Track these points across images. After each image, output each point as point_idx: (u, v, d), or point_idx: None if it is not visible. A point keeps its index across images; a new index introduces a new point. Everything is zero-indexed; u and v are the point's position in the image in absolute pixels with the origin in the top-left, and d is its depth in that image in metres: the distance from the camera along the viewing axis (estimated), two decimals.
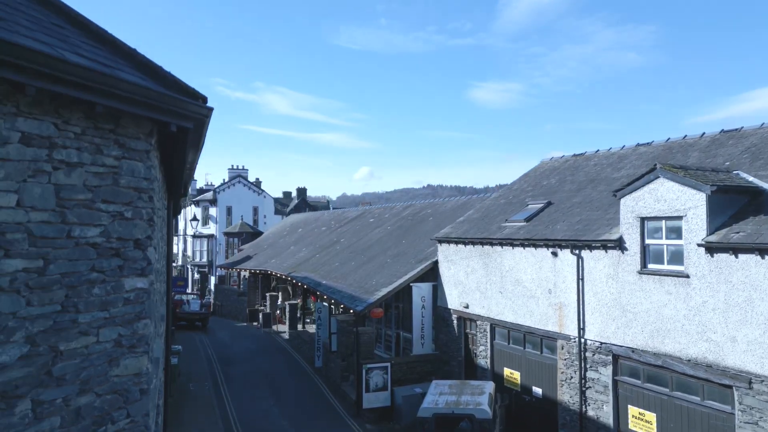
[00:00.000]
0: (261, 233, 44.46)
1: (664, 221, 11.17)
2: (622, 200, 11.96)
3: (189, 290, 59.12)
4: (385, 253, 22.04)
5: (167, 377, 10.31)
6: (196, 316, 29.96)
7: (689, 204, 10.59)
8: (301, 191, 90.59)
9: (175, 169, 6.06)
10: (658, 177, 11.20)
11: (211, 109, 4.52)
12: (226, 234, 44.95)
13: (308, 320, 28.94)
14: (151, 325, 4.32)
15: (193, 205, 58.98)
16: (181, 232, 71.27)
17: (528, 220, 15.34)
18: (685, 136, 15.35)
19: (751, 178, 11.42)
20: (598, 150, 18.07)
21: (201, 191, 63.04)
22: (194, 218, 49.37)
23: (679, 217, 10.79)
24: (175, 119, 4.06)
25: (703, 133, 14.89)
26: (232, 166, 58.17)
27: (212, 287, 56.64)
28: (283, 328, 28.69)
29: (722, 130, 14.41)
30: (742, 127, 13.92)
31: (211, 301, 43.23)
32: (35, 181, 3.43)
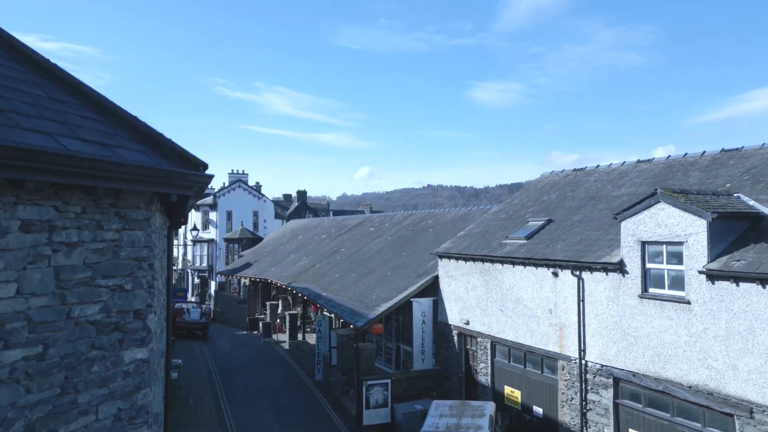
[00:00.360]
0: (261, 239, 44.46)
1: (664, 246, 11.16)
2: (623, 223, 11.94)
3: (189, 296, 59.14)
4: (386, 265, 22.03)
5: (167, 392, 10.31)
6: (196, 326, 29.96)
7: (690, 230, 10.57)
8: (302, 194, 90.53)
9: (174, 214, 6.04)
10: (659, 201, 11.18)
11: (211, 177, 4.50)
12: (227, 240, 44.96)
13: (308, 329, 28.92)
14: (150, 393, 4.30)
15: (192, 210, 58.94)
16: (180, 236, 71.30)
17: (528, 237, 15.32)
18: (686, 154, 15.34)
19: (751, 202, 11.41)
20: (598, 165, 18.06)
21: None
22: (194, 228, 49.36)
23: (680, 243, 10.77)
24: (177, 190, 4.05)
25: (704, 152, 14.87)
26: (232, 170, 58.17)
27: (212, 292, 56.67)
28: (284, 338, 28.68)
29: (723, 149, 14.40)
30: (743, 147, 13.90)
31: (212, 307, 43.20)
32: (35, 267, 3.42)
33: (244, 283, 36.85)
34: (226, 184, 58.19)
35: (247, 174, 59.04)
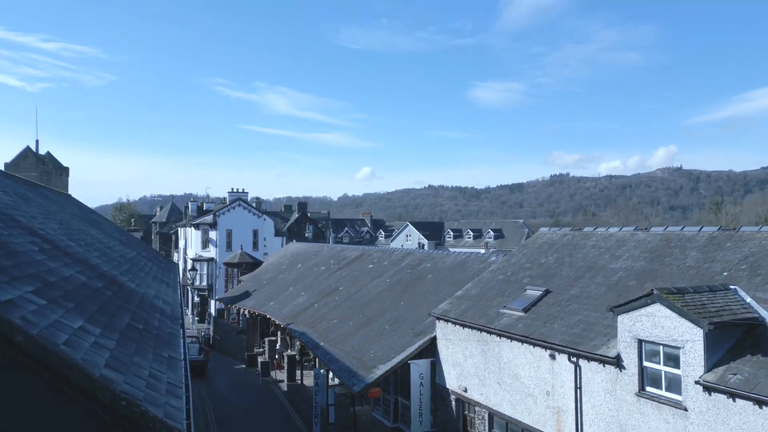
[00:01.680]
0: (260, 263, 44.44)
1: (662, 347, 11.12)
2: (620, 317, 11.90)
3: (189, 314, 59.14)
4: (383, 315, 22.00)
5: None
6: (195, 364, 29.87)
7: (687, 336, 10.54)
8: (302, 205, 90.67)
9: None
10: (656, 302, 11.14)
11: None
12: (226, 264, 44.97)
13: (306, 363, 28.91)
14: None
15: (193, 228, 58.99)
16: (181, 251, 71.28)
17: (526, 310, 15.28)
18: (683, 227, 15.32)
19: (748, 299, 11.37)
20: (596, 228, 18.04)
21: (201, 212, 63.00)
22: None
23: (677, 347, 10.74)
24: None
25: (701, 228, 14.85)
26: (232, 189, 58.24)
27: (212, 311, 56.65)
28: (282, 376, 28.68)
29: (720, 227, 14.42)
30: (741, 229, 13.89)
31: (211, 333, 43.22)
32: None
33: (244, 312, 36.85)
34: (227, 201, 58.24)
35: (247, 192, 59.11)
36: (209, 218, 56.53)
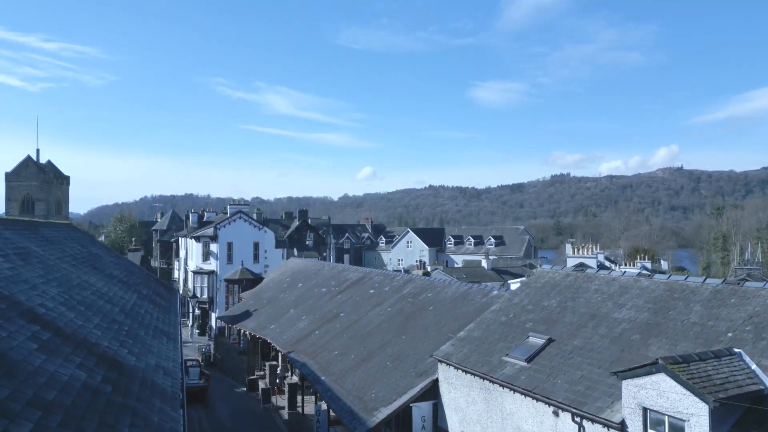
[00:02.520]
0: (261, 279, 44.37)
1: (667, 417, 11.03)
2: (624, 383, 11.80)
3: (189, 324, 59.11)
4: (384, 350, 21.92)
5: None
6: (196, 389, 29.76)
7: (692, 410, 10.44)
8: (302, 213, 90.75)
9: None
10: (661, 372, 11.04)
11: None
12: (227, 281, 44.88)
13: (308, 388, 28.84)
14: None
15: (193, 241, 58.96)
16: (181, 260, 71.21)
17: (529, 360, 15.19)
18: (687, 277, 15.23)
19: (753, 366, 11.27)
20: (599, 270, 17.93)
21: (202, 223, 62.97)
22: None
23: (682, 420, 10.65)
24: None
25: (705, 278, 14.75)
26: (233, 201, 58.27)
27: (213, 323, 56.63)
28: (283, 402, 28.64)
29: (724, 280, 14.30)
30: (746, 284, 13.78)
31: (212, 351, 43.17)
32: None
33: (245, 332, 36.79)
34: (227, 212, 58.18)
35: (248, 205, 59.08)
36: (210, 231, 56.51)
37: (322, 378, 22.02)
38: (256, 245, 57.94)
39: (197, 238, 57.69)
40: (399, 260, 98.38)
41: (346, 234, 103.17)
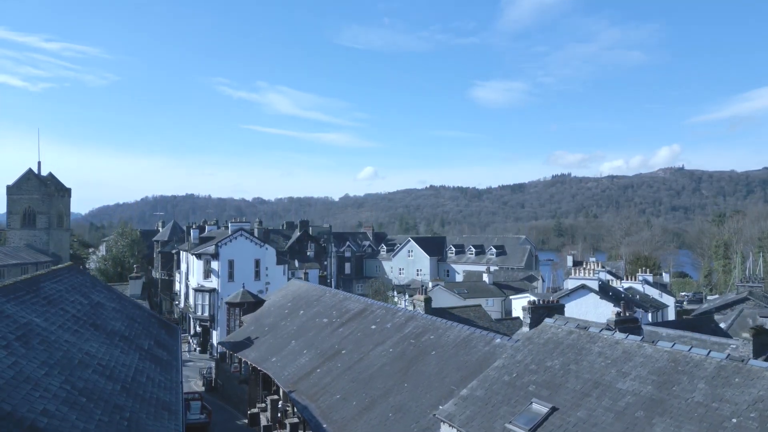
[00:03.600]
0: (262, 301, 44.31)
1: None
2: None
3: (190, 339, 59.08)
4: (387, 399, 21.89)
5: None
6: (197, 425, 29.69)
7: None
8: (303, 224, 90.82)
9: None
10: None
11: None
12: (228, 304, 44.84)
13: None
14: None
15: (195, 258, 58.95)
16: (183, 275, 71.18)
17: (532, 430, 15.14)
18: (690, 348, 15.17)
19: None
20: (602, 330, 17.88)
21: (203, 238, 62.98)
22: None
23: None
24: None
25: (709, 352, 14.69)
26: (234, 219, 58.32)
27: (214, 341, 56.62)
28: None
29: (728, 355, 14.24)
30: (750, 362, 13.72)
31: (213, 375, 43.17)
32: None
33: (245, 360, 36.76)
34: (229, 233, 58.14)
35: (249, 222, 59.17)
36: (211, 248, 56.53)
37: (324, 426, 22.00)
38: (257, 262, 57.97)
39: (198, 256, 57.71)
40: (400, 269, 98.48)
41: (347, 242, 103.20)
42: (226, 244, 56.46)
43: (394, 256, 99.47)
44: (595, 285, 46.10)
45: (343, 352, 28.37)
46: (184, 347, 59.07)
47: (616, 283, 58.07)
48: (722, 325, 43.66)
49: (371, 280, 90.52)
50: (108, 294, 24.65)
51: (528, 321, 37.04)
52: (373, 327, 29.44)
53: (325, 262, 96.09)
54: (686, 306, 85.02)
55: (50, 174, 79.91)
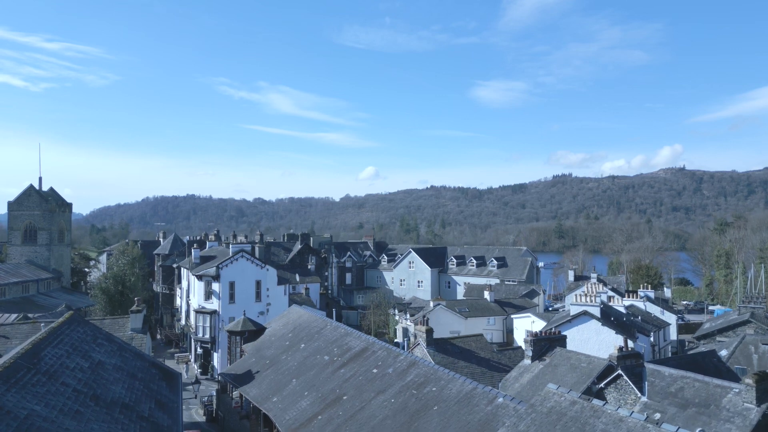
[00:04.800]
0: (263, 329, 44.23)
1: None
2: None
3: (192, 359, 58.96)
4: None
5: None
6: None
7: None
8: (305, 237, 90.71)
9: None
10: None
11: None
12: (229, 332, 44.77)
13: None
14: None
15: (196, 279, 58.88)
16: (183, 290, 71.12)
17: None
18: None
19: None
20: (605, 404, 17.76)
21: (204, 258, 62.92)
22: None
23: None
24: None
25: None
26: (235, 239, 58.20)
27: (215, 364, 56.57)
28: None
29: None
30: None
31: (214, 407, 43.12)
32: None
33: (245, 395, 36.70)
34: (230, 254, 58.03)
35: (250, 245, 59.03)
36: (212, 270, 56.45)
37: None
38: (258, 284, 57.90)
39: (200, 277, 57.63)
40: (401, 280, 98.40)
41: (348, 252, 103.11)
42: (227, 265, 56.36)
43: (395, 267, 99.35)
44: (596, 311, 46.00)
45: (344, 398, 28.28)
46: (184, 369, 59.06)
47: (617, 301, 57.93)
48: (723, 352, 43.53)
49: (372, 292, 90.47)
50: (109, 347, 24.57)
51: (530, 354, 37.20)
52: (375, 371, 29.33)
53: (326, 273, 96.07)
54: (687, 317, 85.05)
55: (51, 189, 79.82)
